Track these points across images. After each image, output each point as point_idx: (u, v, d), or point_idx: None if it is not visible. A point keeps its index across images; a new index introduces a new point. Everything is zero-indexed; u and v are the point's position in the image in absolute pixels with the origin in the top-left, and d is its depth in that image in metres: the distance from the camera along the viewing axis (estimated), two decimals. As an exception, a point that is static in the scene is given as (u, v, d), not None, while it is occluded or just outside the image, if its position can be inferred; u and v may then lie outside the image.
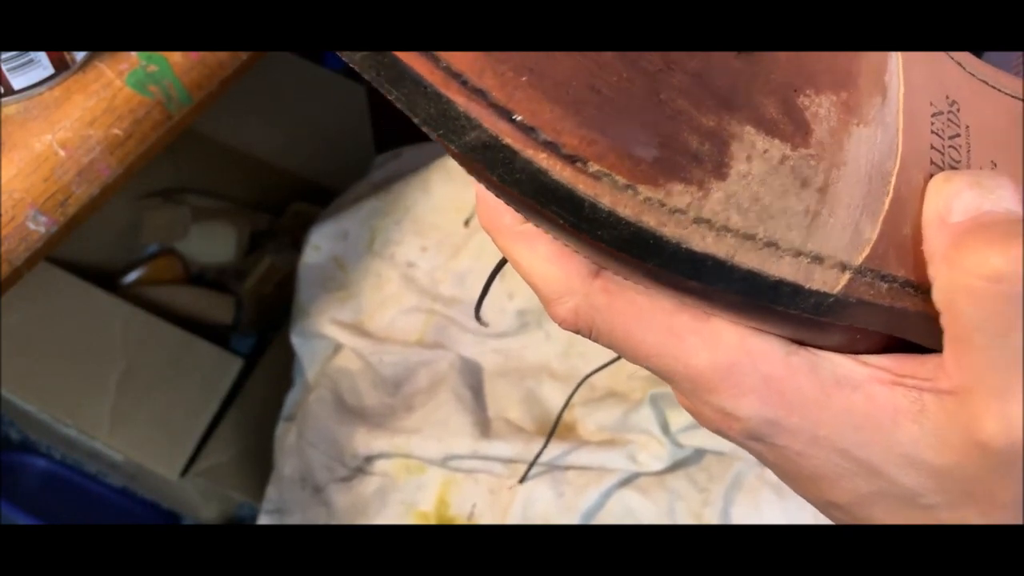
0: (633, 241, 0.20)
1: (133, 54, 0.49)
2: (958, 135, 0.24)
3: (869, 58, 0.23)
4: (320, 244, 0.80)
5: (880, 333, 0.24)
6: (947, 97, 0.24)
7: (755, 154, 0.20)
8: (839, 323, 0.23)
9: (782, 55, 0.21)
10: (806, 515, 0.59)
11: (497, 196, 0.21)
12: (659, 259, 0.20)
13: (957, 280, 0.22)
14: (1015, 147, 0.26)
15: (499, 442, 0.64)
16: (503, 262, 0.28)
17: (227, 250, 1.06)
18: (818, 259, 0.22)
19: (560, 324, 0.26)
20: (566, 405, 0.63)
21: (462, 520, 0.64)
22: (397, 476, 0.67)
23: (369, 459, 0.69)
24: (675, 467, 0.62)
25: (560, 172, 0.19)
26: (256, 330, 1.06)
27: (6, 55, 0.44)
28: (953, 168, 0.24)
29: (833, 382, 0.24)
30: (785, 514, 0.59)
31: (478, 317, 0.44)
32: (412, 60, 0.19)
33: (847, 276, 0.22)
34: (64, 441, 0.95)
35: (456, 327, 0.72)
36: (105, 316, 0.94)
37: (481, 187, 0.23)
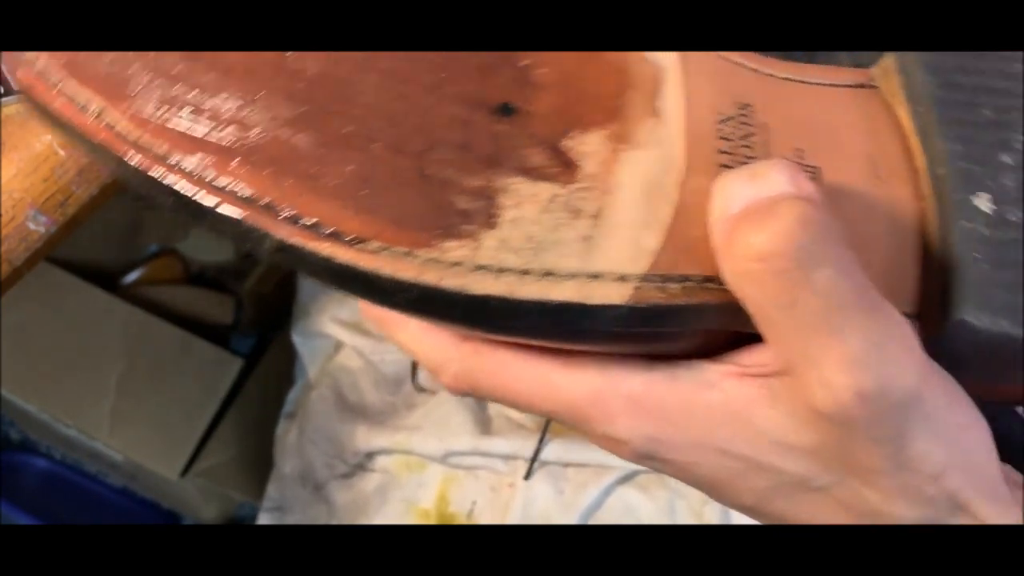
0: (424, 299, 0.22)
1: (132, 54, 0.49)
2: (752, 134, 0.25)
3: (637, 88, 0.24)
4: (320, 243, 0.80)
5: (726, 331, 0.25)
6: (736, 102, 0.26)
7: (523, 200, 0.23)
8: (665, 329, 0.24)
9: (542, 110, 0.23)
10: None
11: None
12: (452, 310, 0.22)
13: (734, 268, 0.22)
14: (823, 130, 0.27)
15: (499, 439, 0.64)
16: None
17: (227, 250, 1.06)
18: (596, 277, 0.23)
19: (450, 392, 0.27)
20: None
21: (462, 517, 0.64)
22: (398, 473, 0.67)
23: (370, 456, 0.69)
24: (675, 465, 0.62)
25: (343, 255, 0.22)
26: (256, 330, 1.05)
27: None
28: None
29: (692, 386, 0.25)
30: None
31: (415, 382, 0.45)
32: (202, 196, 0.21)
33: (631, 286, 0.23)
34: (64, 441, 0.95)
35: (456, 326, 0.72)
36: (105, 316, 0.94)
37: None
